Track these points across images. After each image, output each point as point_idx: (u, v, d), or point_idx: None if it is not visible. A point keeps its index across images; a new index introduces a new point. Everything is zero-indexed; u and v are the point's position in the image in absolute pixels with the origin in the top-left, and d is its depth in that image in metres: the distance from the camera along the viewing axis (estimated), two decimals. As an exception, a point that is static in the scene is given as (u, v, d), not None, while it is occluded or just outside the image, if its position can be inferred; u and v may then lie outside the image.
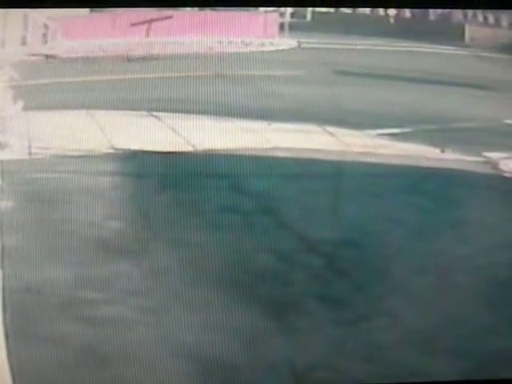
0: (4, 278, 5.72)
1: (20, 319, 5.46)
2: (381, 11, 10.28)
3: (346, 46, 9.59)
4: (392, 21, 10.30)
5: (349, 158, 7.92)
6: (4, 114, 7.54)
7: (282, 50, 9.79)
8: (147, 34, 8.57)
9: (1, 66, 7.93)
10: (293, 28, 9.88)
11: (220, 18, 8.72)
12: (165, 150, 7.53)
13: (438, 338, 5.55)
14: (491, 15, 9.90)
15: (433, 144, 8.24)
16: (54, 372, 5.14)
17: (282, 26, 9.89)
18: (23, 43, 8.67)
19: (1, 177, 6.77)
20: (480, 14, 10.07)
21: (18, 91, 7.88)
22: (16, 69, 8.02)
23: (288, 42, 9.93)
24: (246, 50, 9.41)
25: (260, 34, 9.69)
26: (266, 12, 9.70)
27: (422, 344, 5.47)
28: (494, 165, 8.00)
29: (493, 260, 6.40)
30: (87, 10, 8.48)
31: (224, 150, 7.46)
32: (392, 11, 10.21)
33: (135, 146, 7.58)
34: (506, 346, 5.53)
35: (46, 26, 8.85)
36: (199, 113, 7.69)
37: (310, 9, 9.90)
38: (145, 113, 8.22)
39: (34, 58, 8.74)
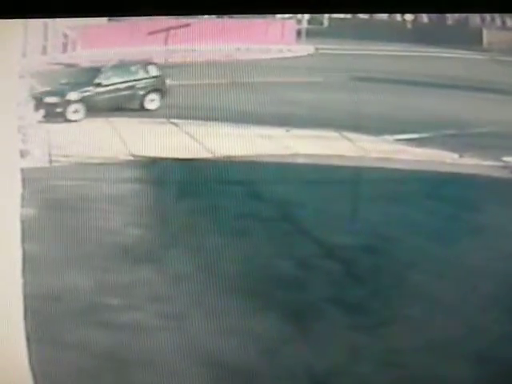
0: (25, 284, 5.77)
1: (41, 325, 5.50)
2: (398, 17, 10.27)
3: (364, 52, 9.60)
4: (409, 26, 10.28)
5: (367, 164, 7.92)
6: (25, 122, 7.62)
7: (300, 57, 9.81)
8: (165, 43, 8.63)
9: (22, 76, 8.00)
10: (310, 34, 9.90)
11: (238, 26, 8.76)
12: (183, 156, 7.57)
13: (457, 344, 5.53)
14: (509, 19, 9.84)
15: (451, 149, 8.22)
16: (75, 377, 5.18)
17: (299, 33, 9.92)
18: (44, 53, 8.76)
19: (22, 185, 6.83)
20: (498, 18, 10.02)
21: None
22: (37, 78, 8.11)
23: (305, 49, 9.94)
24: (263, 56, 9.45)
25: (278, 40, 9.72)
26: (283, 19, 9.73)
27: (441, 350, 5.45)
28: (512, 169, 7.96)
29: (512, 265, 6.36)
30: (105, 19, 8.55)
31: (242, 156, 7.49)
32: (409, 16, 10.19)
33: (154, 153, 7.63)
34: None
35: (65, 36, 8.94)
36: (218, 120, 7.73)
37: (326, 15, 9.91)
38: (164, 120, 8.28)
39: (55, 67, 8.83)
